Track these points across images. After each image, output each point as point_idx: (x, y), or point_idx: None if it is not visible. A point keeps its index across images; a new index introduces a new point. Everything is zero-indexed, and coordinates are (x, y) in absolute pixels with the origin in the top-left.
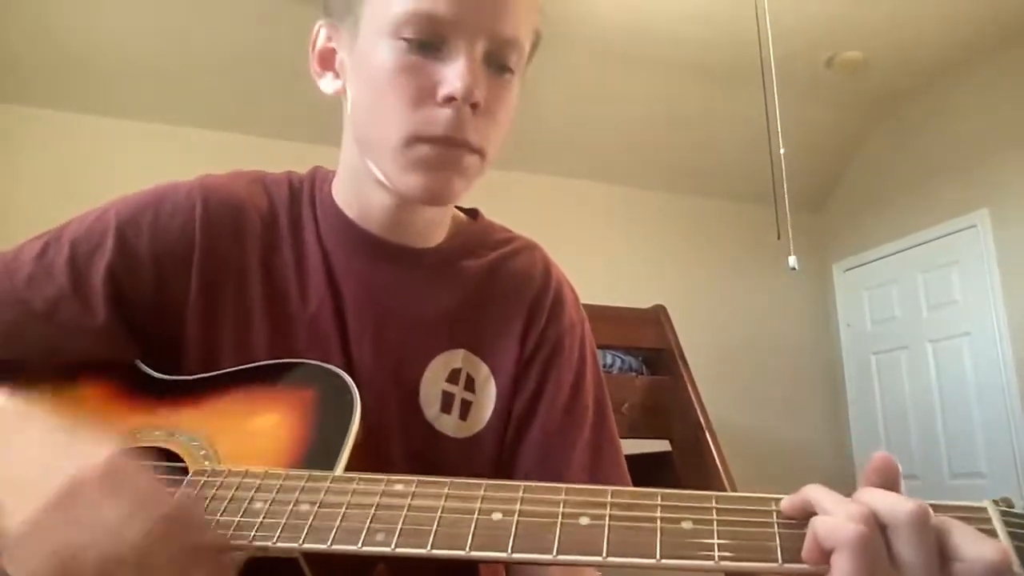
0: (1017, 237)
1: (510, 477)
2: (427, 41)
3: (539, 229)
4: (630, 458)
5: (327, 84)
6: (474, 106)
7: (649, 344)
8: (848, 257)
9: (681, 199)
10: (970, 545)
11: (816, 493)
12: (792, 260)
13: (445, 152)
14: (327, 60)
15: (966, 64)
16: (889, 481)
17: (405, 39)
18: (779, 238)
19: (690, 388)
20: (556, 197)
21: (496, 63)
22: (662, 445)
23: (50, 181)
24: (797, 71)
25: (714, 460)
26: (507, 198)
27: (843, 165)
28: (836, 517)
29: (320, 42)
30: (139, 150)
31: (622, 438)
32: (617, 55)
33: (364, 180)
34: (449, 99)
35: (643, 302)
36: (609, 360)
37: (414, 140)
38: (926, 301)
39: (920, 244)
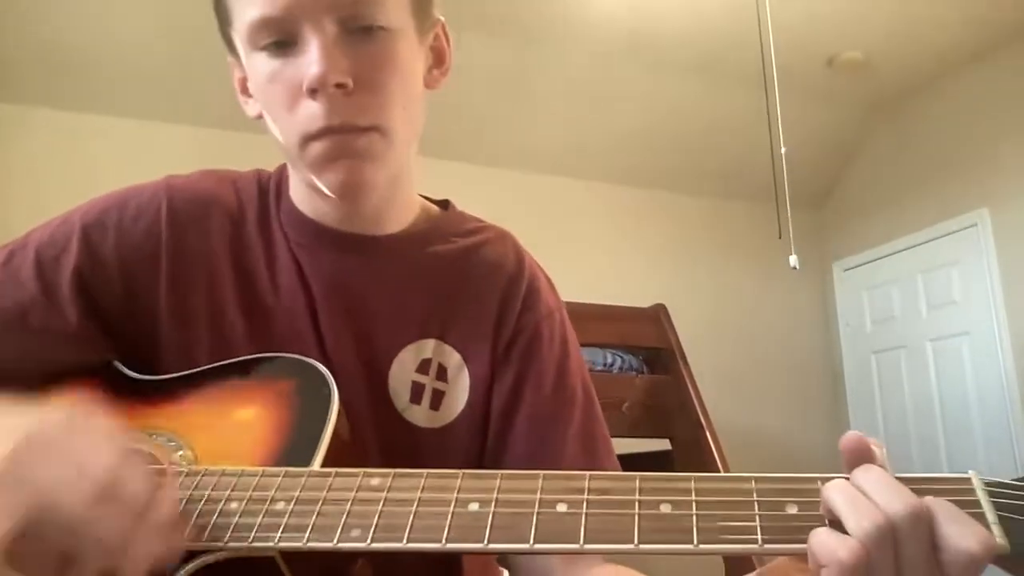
0: (1017, 237)
1: (501, 468)
2: (279, 40)
3: (539, 229)
4: (630, 457)
5: (250, 110)
6: (341, 86)
7: (649, 343)
8: (848, 256)
9: (681, 198)
10: (955, 534)
11: (833, 494)
12: (793, 259)
13: (333, 142)
14: (244, 87)
15: (966, 64)
16: (859, 457)
17: (262, 48)
18: (780, 237)
19: (690, 387)
20: (556, 197)
21: (358, 28)
22: (662, 444)
23: (46, 180)
24: (798, 71)
25: (714, 459)
26: (507, 198)
27: (844, 164)
28: (832, 538)
29: (235, 75)
30: (136, 149)
31: (622, 437)
32: (617, 55)
33: (305, 179)
34: (312, 90)
35: (643, 301)
36: (609, 359)
37: (304, 141)
38: (926, 301)
39: (920, 244)
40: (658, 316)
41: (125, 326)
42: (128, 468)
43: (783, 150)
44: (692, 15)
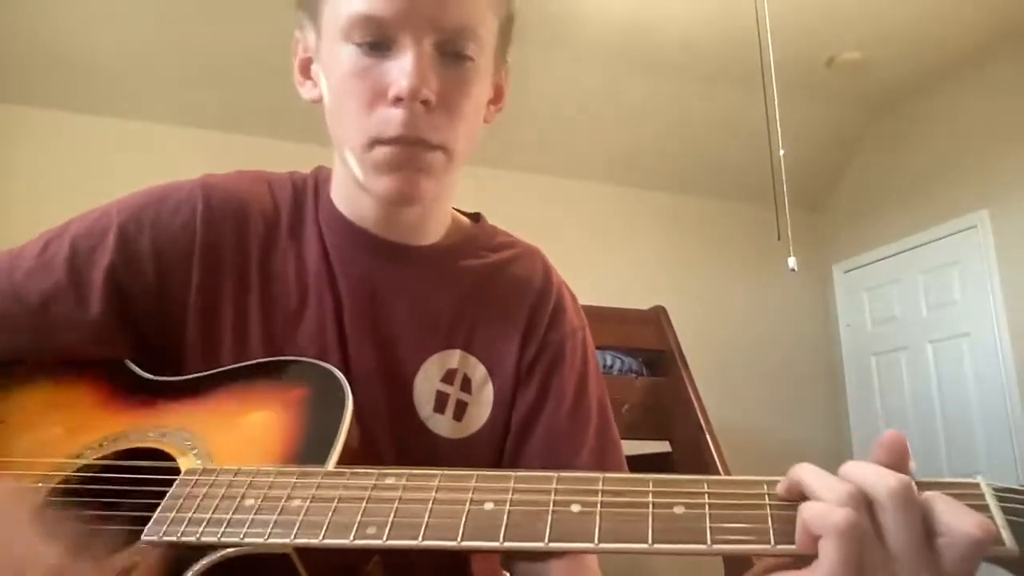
0: (1017, 237)
1: None
2: (375, 42)
3: (539, 229)
4: (630, 459)
5: (306, 92)
6: (425, 103)
7: (649, 345)
8: (848, 258)
9: (681, 200)
10: (954, 519)
11: (804, 473)
12: (792, 262)
13: (402, 152)
14: (305, 68)
15: (966, 65)
16: (896, 458)
17: (356, 43)
18: (779, 239)
19: (690, 389)
20: (556, 197)
21: (451, 52)
22: (662, 446)
23: (48, 181)
24: (797, 71)
25: (714, 461)
26: (507, 198)
27: (843, 166)
28: (824, 502)
29: (299, 52)
30: (138, 150)
31: (622, 439)
32: (617, 56)
33: (352, 180)
34: (398, 99)
35: (643, 303)
36: (609, 361)
37: (373, 143)
38: (926, 301)
39: (920, 245)
40: (658, 318)
41: (153, 322)
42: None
43: (782, 152)
44: (691, 16)
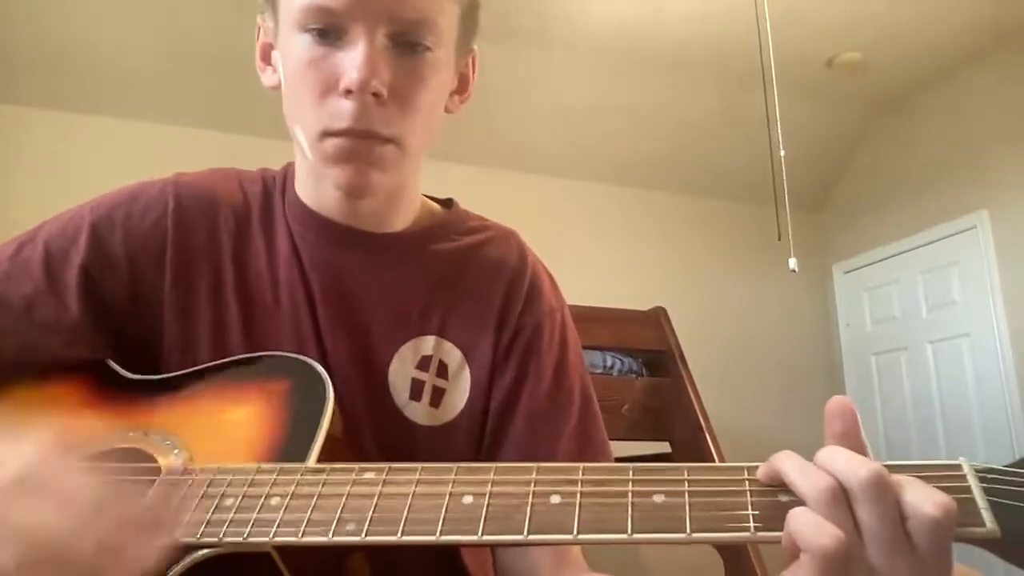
0: (1017, 238)
1: None
2: (326, 30)
3: (539, 230)
4: (630, 459)
5: (266, 79)
6: (376, 95)
7: (649, 346)
8: (848, 258)
9: (681, 200)
10: (918, 500)
11: (785, 464)
12: (792, 262)
13: (352, 144)
14: (266, 54)
15: (966, 65)
16: (849, 424)
17: (309, 31)
18: (779, 239)
19: (690, 389)
20: (555, 198)
21: (406, 43)
22: (662, 447)
23: (48, 181)
24: (797, 72)
25: (714, 461)
26: (506, 198)
27: (843, 166)
28: (813, 517)
29: (260, 37)
30: (138, 150)
31: (622, 439)
32: (616, 56)
33: (311, 169)
34: (347, 91)
35: (643, 304)
36: (609, 362)
37: (324, 134)
38: (926, 302)
39: (920, 245)
40: (658, 319)
41: (130, 322)
42: (112, 489)
43: (782, 152)
44: (691, 16)
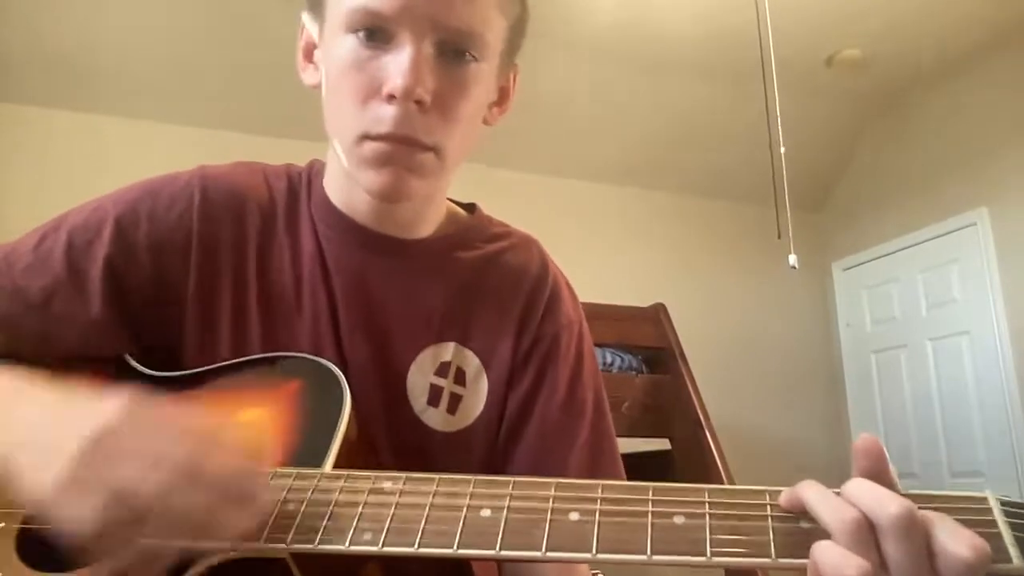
0: (1017, 236)
1: (506, 474)
2: (376, 34)
3: (539, 229)
4: (630, 457)
5: (307, 77)
6: (419, 103)
7: (649, 343)
8: (848, 256)
9: (681, 198)
10: (949, 540)
11: (809, 493)
12: (792, 259)
13: (392, 149)
14: (308, 53)
15: (966, 63)
16: (875, 462)
17: (356, 32)
18: (779, 237)
19: (690, 387)
20: (556, 197)
21: (451, 52)
22: (662, 444)
23: (47, 181)
24: (797, 70)
25: (714, 459)
26: (507, 198)
27: (843, 164)
28: (838, 551)
29: (304, 35)
30: (134, 148)
31: (622, 437)
32: (617, 55)
33: (344, 172)
34: (391, 96)
35: (643, 301)
36: (609, 359)
37: (363, 138)
38: (926, 300)
39: (920, 243)
40: (658, 316)
41: (152, 317)
42: (206, 448)
43: (782, 150)
44: (691, 15)
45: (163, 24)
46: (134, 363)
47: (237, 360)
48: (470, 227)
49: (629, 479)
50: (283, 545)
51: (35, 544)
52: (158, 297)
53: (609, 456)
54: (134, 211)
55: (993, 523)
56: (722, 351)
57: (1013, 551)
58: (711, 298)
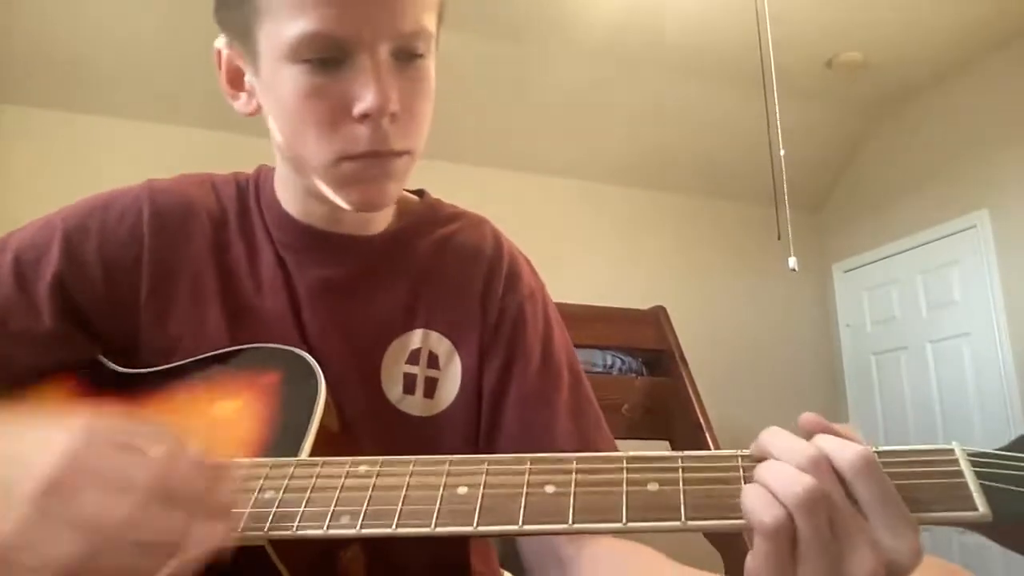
0: (1017, 237)
1: (494, 451)
2: (329, 58)
3: (539, 229)
4: None
5: (241, 106)
6: (392, 115)
7: (649, 345)
8: (848, 258)
9: (681, 200)
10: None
11: (772, 436)
12: (792, 261)
13: (372, 165)
14: (236, 80)
15: (966, 65)
16: (824, 428)
17: (306, 61)
18: (779, 239)
19: (690, 388)
20: (556, 197)
21: (404, 55)
22: (662, 446)
23: (46, 181)
24: (797, 72)
25: None
26: (507, 198)
27: (843, 166)
28: (786, 469)
29: (223, 61)
30: (132, 149)
31: (622, 439)
32: (617, 56)
33: (300, 186)
34: (364, 116)
35: (643, 303)
36: (609, 361)
37: (340, 160)
38: (926, 301)
39: (920, 245)
40: (658, 318)
41: (106, 328)
42: (171, 462)
43: (782, 152)
44: (691, 17)
45: (163, 25)
46: (107, 362)
47: (211, 353)
48: (422, 214)
49: None
50: (261, 533)
51: None
52: (111, 309)
53: (592, 415)
54: (84, 225)
55: (959, 472)
56: (722, 353)
57: (978, 499)
58: (711, 300)
